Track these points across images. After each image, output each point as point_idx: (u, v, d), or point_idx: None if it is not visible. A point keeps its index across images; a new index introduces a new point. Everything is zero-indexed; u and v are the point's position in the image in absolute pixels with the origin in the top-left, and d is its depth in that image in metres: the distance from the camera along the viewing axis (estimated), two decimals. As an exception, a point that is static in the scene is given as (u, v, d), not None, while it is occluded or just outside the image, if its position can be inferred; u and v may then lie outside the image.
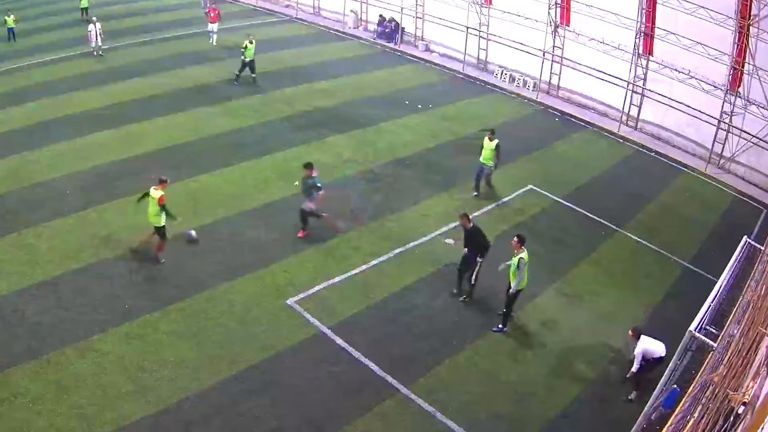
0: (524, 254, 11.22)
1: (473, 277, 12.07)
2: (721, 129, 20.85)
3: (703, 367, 9.26)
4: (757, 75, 19.33)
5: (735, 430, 6.13)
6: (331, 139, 18.90)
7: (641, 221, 16.72)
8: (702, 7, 19.79)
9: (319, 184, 13.15)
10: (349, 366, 10.48)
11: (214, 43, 26.78)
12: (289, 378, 10.08)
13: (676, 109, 21.68)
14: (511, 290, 11.43)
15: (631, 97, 23.41)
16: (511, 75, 26.74)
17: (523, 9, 25.27)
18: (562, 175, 18.47)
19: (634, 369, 10.28)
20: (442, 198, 16.25)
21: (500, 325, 11.75)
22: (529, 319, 12.22)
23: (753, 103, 19.74)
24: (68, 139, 16.93)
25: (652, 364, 10.19)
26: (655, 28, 21.82)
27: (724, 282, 10.79)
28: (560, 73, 25.65)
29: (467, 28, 27.57)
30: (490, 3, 27.00)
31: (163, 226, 12.11)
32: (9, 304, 10.77)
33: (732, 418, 6.43)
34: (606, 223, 16.21)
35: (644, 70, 22.81)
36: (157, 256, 12.33)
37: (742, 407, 6.38)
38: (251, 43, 21.98)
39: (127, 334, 10.44)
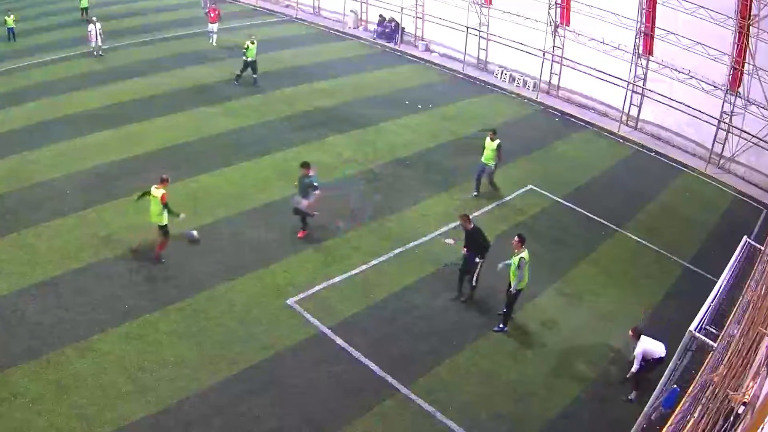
0: (525, 254, 11.22)
1: (474, 279, 12.07)
2: (721, 129, 20.85)
3: (703, 367, 9.26)
4: (757, 75, 19.33)
5: (735, 430, 6.13)
6: (331, 139, 18.90)
7: (641, 221, 16.72)
8: (702, 7, 19.79)
9: (316, 183, 13.15)
10: (349, 366, 10.48)
11: (214, 44, 26.78)
12: (289, 378, 10.08)
13: (676, 109, 21.68)
14: (511, 289, 11.43)
15: (631, 97, 23.42)
16: (511, 75, 26.74)
17: (523, 9, 25.27)
18: (562, 175, 18.46)
19: (633, 369, 10.28)
20: (442, 198, 16.25)
21: (501, 325, 11.75)
22: (529, 319, 12.21)
23: (753, 103, 19.74)
24: (68, 139, 16.94)
25: (652, 365, 10.19)
26: (655, 28, 21.82)
27: (724, 282, 10.79)
28: (560, 73, 25.65)
29: (467, 28, 27.58)
30: (490, 3, 27.00)
31: (166, 225, 12.12)
32: (9, 304, 10.77)
33: (732, 418, 6.43)
34: (606, 223, 16.21)
35: (644, 70, 22.82)
36: (158, 255, 12.34)
37: (742, 407, 6.38)
38: (253, 43, 21.98)
39: (127, 334, 10.44)
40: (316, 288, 12.20)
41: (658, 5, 21.37)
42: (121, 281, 11.69)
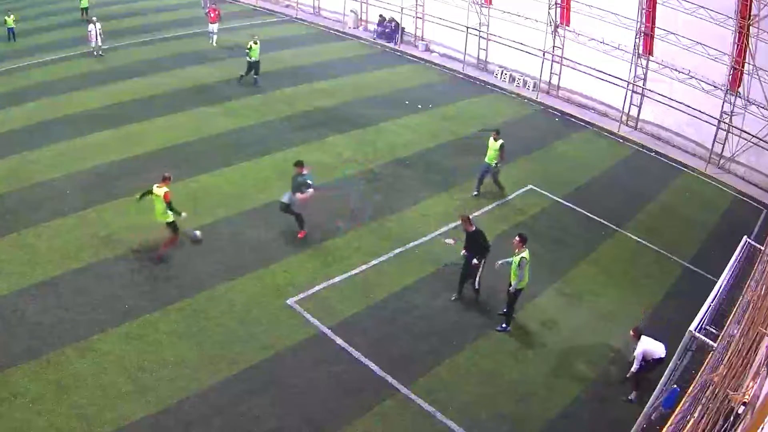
0: (526, 253, 11.23)
1: (476, 282, 12.05)
2: (721, 129, 20.85)
3: (703, 367, 9.25)
4: (757, 75, 19.33)
5: (735, 430, 6.13)
6: (331, 139, 18.90)
7: (641, 221, 16.72)
8: (702, 7, 19.79)
9: (309, 181, 13.12)
10: (349, 366, 10.48)
11: (215, 44, 26.79)
12: (289, 378, 10.08)
13: (676, 109, 21.68)
14: (511, 288, 11.44)
15: (631, 97, 23.41)
16: (511, 75, 26.74)
17: (523, 9, 25.26)
18: (562, 175, 18.47)
19: (633, 369, 10.28)
20: (442, 198, 16.25)
21: (503, 325, 11.76)
22: (529, 319, 12.21)
23: (753, 103, 19.74)
24: (68, 139, 16.94)
25: (652, 365, 10.19)
26: (655, 28, 21.82)
27: (724, 282, 10.78)
28: (560, 73, 25.65)
29: (467, 28, 27.58)
30: (490, 3, 27.00)
31: (174, 221, 12.17)
32: (9, 304, 10.78)
33: (732, 418, 6.43)
34: (606, 223, 16.21)
35: (644, 70, 22.82)
36: (161, 254, 12.36)
37: (742, 407, 6.38)
38: (256, 43, 21.99)
39: (127, 334, 10.44)
40: (316, 288, 12.20)
41: (658, 5, 21.37)
42: (121, 281, 11.69)
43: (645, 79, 22.94)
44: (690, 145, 22.15)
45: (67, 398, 9.08)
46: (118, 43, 25.92)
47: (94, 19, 24.55)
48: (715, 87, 20.60)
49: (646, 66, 22.69)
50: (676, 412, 8.61)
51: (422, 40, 30.50)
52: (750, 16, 18.83)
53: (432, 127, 20.82)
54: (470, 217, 12.26)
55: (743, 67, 19.69)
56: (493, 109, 23.56)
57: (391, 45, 30.37)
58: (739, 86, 20.00)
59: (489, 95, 25.27)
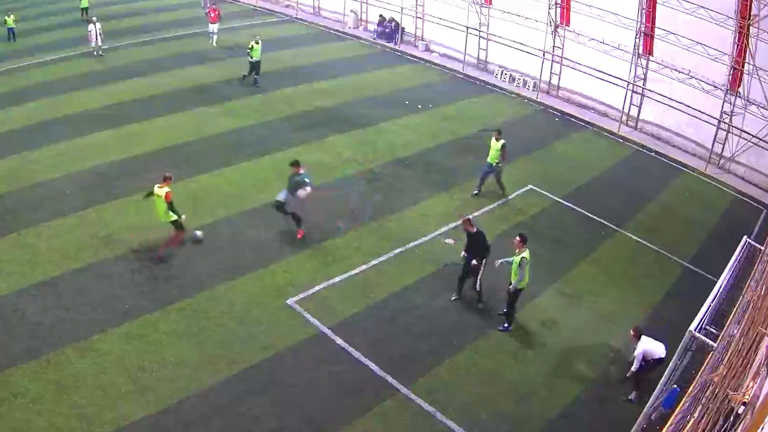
0: (526, 253, 11.23)
1: (478, 284, 12.04)
2: (721, 129, 20.85)
3: (703, 367, 9.26)
4: (757, 75, 19.33)
5: (735, 430, 6.13)
6: (331, 139, 18.90)
7: (641, 221, 16.72)
8: (702, 7, 19.79)
9: (307, 180, 13.11)
10: (349, 366, 10.48)
11: (215, 44, 26.79)
12: (289, 378, 10.08)
13: (676, 109, 21.68)
14: (510, 288, 11.44)
15: (631, 97, 23.42)
16: (511, 75, 26.75)
17: (523, 9, 25.27)
18: (562, 175, 18.47)
19: (633, 368, 10.27)
20: (442, 198, 16.25)
21: (505, 324, 11.76)
22: (529, 319, 12.21)
23: (753, 103, 19.75)
24: (68, 139, 16.94)
25: (653, 365, 10.18)
26: (655, 28, 21.82)
27: (724, 282, 10.79)
28: (560, 73, 25.65)
29: (467, 28, 27.58)
30: (490, 3, 27.00)
31: (177, 219, 12.21)
32: (9, 304, 10.78)
33: (732, 418, 6.43)
34: (606, 223, 16.21)
35: (644, 70, 22.82)
36: (162, 254, 12.37)
37: (742, 407, 6.38)
38: (257, 43, 22.00)
39: (127, 334, 10.44)
40: (316, 288, 12.20)
41: (658, 5, 21.38)
42: (121, 281, 11.69)
43: (645, 79, 22.94)
44: (690, 145, 22.15)
45: (67, 398, 9.07)
46: (118, 43, 25.92)
47: (94, 19, 24.55)
48: (715, 87, 20.60)
49: (646, 66, 22.69)
50: (676, 412, 8.61)
51: (422, 40, 30.50)
52: (750, 16, 18.84)
53: (432, 127, 20.82)
54: (471, 218, 12.24)
55: (743, 67, 19.69)
56: (493, 109, 23.56)
57: (391, 45, 30.38)
58: (739, 86, 20.00)
59: (489, 95, 25.27)
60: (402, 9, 30.23)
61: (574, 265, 14.22)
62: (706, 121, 20.88)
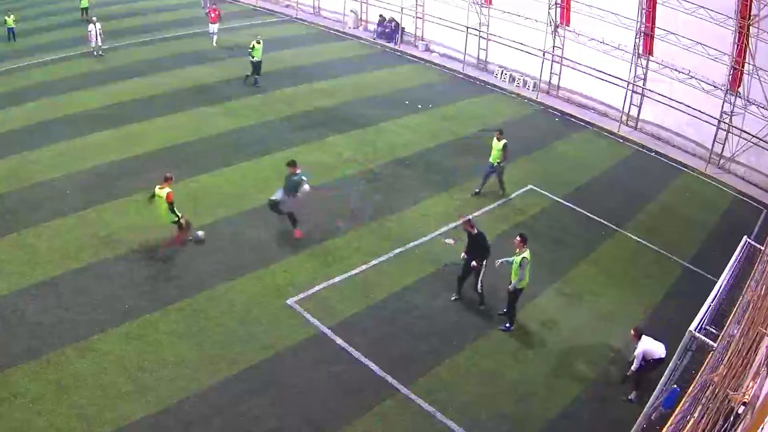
0: (527, 253, 11.23)
1: (478, 285, 12.03)
2: (721, 129, 20.85)
3: (703, 367, 9.25)
4: (757, 75, 19.33)
5: (735, 430, 6.13)
6: (331, 139, 18.90)
7: (641, 221, 16.72)
8: (702, 7, 19.79)
9: (304, 177, 13.09)
10: (349, 366, 10.48)
11: (215, 44, 26.78)
12: (289, 378, 10.08)
13: (676, 109, 21.68)
14: (510, 287, 11.44)
15: (631, 97, 23.42)
16: (511, 75, 26.74)
17: (523, 9, 25.27)
18: (562, 175, 18.47)
19: (633, 368, 10.27)
20: (442, 198, 16.25)
21: (507, 324, 11.77)
22: (529, 319, 12.21)
23: (753, 103, 19.74)
24: (68, 139, 16.94)
25: (653, 365, 10.18)
26: (655, 28, 21.82)
27: (724, 282, 10.78)
28: (560, 73, 25.65)
29: (467, 28, 27.58)
30: (490, 3, 27.00)
31: (178, 219, 12.24)
32: (9, 304, 10.78)
33: (732, 418, 6.43)
34: (606, 223, 16.21)
35: (644, 70, 22.82)
36: (164, 252, 12.38)
37: (742, 407, 6.38)
38: (259, 43, 22.02)
39: (127, 334, 10.44)
40: (316, 288, 12.20)
41: (658, 5, 21.37)
42: (121, 281, 11.69)
43: (645, 79, 22.94)
44: (690, 145, 22.15)
45: (67, 398, 9.08)
46: (118, 43, 25.92)
47: (94, 19, 24.55)
48: (715, 87, 20.60)
49: (646, 66, 22.69)
50: (676, 412, 8.61)
51: (422, 40, 30.50)
52: (750, 16, 18.83)
53: (432, 127, 20.82)
54: (471, 219, 12.23)
55: (743, 67, 19.69)
56: (493, 109, 23.56)
57: (391, 45, 30.37)
58: (739, 86, 20.00)
59: (489, 95, 25.27)
60: (402, 9, 30.23)
61: (574, 265, 14.21)
62: (706, 121, 20.88)
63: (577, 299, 13.11)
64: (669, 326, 11.17)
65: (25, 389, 9.11)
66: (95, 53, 24.18)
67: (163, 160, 16.01)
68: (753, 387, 6.57)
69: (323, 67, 25.65)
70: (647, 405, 9.39)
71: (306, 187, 13.05)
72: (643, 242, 15.66)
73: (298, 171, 13.17)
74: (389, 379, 10.27)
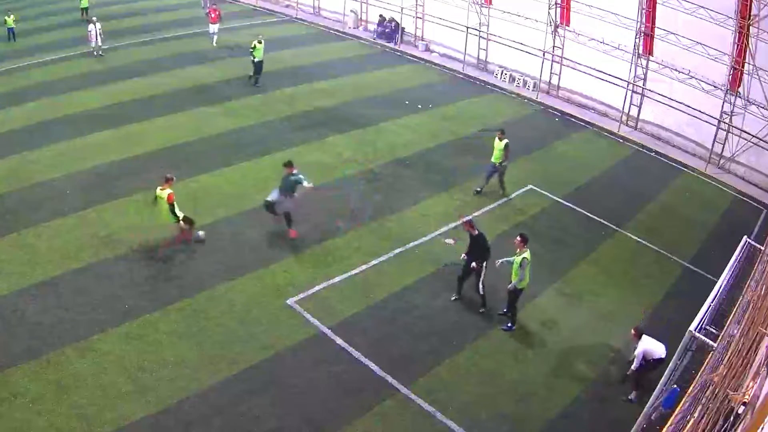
0: (527, 253, 11.23)
1: (480, 286, 12.02)
2: (721, 129, 20.85)
3: (703, 367, 9.26)
4: (757, 75, 19.33)
5: (735, 430, 6.13)
6: (331, 139, 18.90)
7: (641, 221, 16.72)
8: (702, 7, 19.79)
9: (301, 176, 13.07)
10: (349, 366, 10.48)
11: (215, 45, 26.77)
12: (289, 378, 10.08)
13: (676, 109, 21.68)
14: (509, 287, 11.45)
15: (631, 97, 23.42)
16: (511, 75, 26.74)
17: (523, 9, 25.27)
18: (562, 175, 18.47)
19: (633, 367, 10.28)
20: (442, 198, 16.25)
21: (509, 324, 11.78)
22: (529, 319, 12.21)
23: (753, 103, 19.74)
24: (68, 139, 16.94)
25: (653, 365, 10.19)
26: (655, 28, 21.82)
27: (724, 282, 10.79)
28: (560, 73, 25.65)
29: (467, 28, 27.58)
30: (490, 3, 27.00)
31: (181, 218, 12.29)
32: (9, 304, 10.78)
33: (732, 418, 6.43)
34: (606, 223, 16.21)
35: (644, 70, 22.82)
36: (164, 251, 12.42)
37: (742, 407, 6.38)
38: (260, 43, 22.01)
39: (127, 334, 10.44)
40: (316, 288, 12.20)
41: (658, 5, 21.37)
42: (121, 281, 11.69)
43: (645, 79, 22.94)
44: (690, 145, 22.15)
45: (67, 398, 9.08)
46: (118, 43, 25.91)
47: (94, 19, 24.54)
48: (715, 87, 20.60)
49: (646, 66, 22.69)
50: (676, 412, 8.61)
51: (422, 40, 30.50)
52: (750, 16, 18.84)
53: (432, 127, 20.82)
54: (472, 220, 12.22)
55: (743, 67, 19.69)
56: (493, 109, 23.56)
57: (391, 45, 30.37)
58: (739, 86, 20.00)
59: (489, 95, 25.27)
60: (402, 9, 30.22)
61: (574, 265, 14.21)
62: (706, 121, 20.88)
63: (577, 299, 13.11)
64: (669, 326, 11.17)
65: (25, 389, 9.12)
66: (95, 53, 24.18)
67: (163, 160, 16.02)
68: (753, 387, 6.57)
69: (323, 67, 25.65)
70: (647, 405, 9.39)
71: (307, 183, 13.07)
72: (643, 242, 15.66)
73: (294, 171, 13.16)
74: (389, 379, 10.27)
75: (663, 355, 10.12)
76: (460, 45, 27.94)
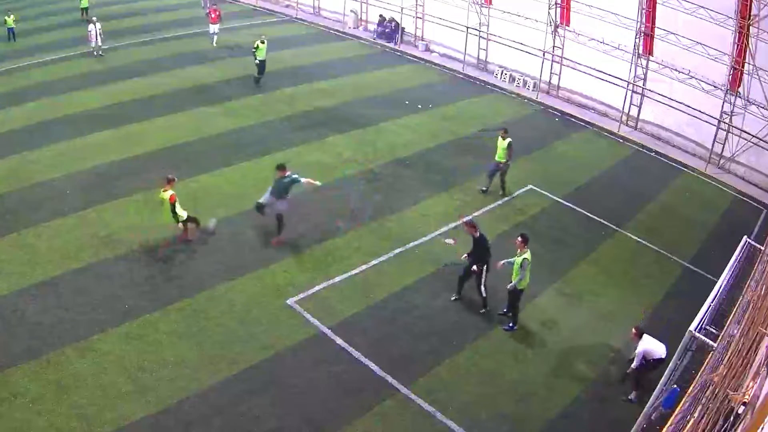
0: (528, 254, 11.23)
1: (481, 288, 12.01)
2: (721, 129, 20.85)
3: (703, 367, 9.26)
4: (757, 75, 19.33)
5: (735, 430, 6.13)
6: (331, 139, 18.90)
7: (641, 221, 16.72)
8: (702, 7, 19.79)
9: (295, 176, 13.03)
10: (349, 366, 10.48)
11: (215, 45, 26.77)
12: (289, 378, 10.08)
13: (676, 109, 21.68)
14: (509, 287, 11.45)
15: (631, 97, 23.42)
16: (511, 75, 26.74)
17: (523, 9, 25.27)
18: (562, 175, 18.47)
19: (633, 366, 10.28)
20: (442, 198, 16.25)
21: (510, 324, 11.78)
22: (529, 319, 12.21)
23: (753, 103, 19.74)
24: (68, 139, 16.94)
25: (653, 365, 10.19)
26: (655, 28, 21.82)
27: (724, 282, 10.78)
28: (560, 73, 25.65)
29: (467, 28, 27.58)
30: (490, 3, 27.00)
31: (185, 219, 12.34)
32: (9, 304, 10.78)
33: (732, 418, 6.43)
34: (606, 223, 16.21)
35: (644, 70, 22.82)
36: (164, 251, 12.45)
37: (742, 407, 6.38)
38: (263, 42, 22.02)
39: (127, 334, 10.44)
40: (316, 288, 12.20)
41: (658, 5, 21.38)
42: (121, 281, 11.69)
43: (645, 79, 22.94)
44: (690, 145, 22.15)
45: (67, 398, 9.08)
46: (118, 43, 25.92)
47: (94, 19, 24.55)
48: (715, 87, 20.60)
49: (646, 66, 22.69)
50: (676, 412, 8.61)
51: (422, 40, 30.50)
52: (750, 16, 18.84)
53: (432, 127, 20.82)
54: (473, 221, 12.21)
55: (743, 67, 19.69)
56: (493, 109, 23.56)
57: (391, 45, 30.37)
58: (739, 86, 20.00)
59: (489, 95, 25.27)
60: (402, 9, 30.23)
61: (574, 265, 14.21)
62: (706, 121, 20.88)
63: (577, 299, 13.10)
64: (669, 326, 11.17)
65: (25, 389, 9.12)
66: (95, 53, 24.18)
67: (163, 160, 16.02)
68: (753, 387, 6.57)
69: (323, 67, 25.65)
70: (647, 405, 9.39)
71: (308, 181, 13.12)
72: (643, 242, 15.66)
73: (287, 174, 13.13)
74: (389, 379, 10.27)
75: (663, 355, 10.12)
76: (460, 45, 27.94)
